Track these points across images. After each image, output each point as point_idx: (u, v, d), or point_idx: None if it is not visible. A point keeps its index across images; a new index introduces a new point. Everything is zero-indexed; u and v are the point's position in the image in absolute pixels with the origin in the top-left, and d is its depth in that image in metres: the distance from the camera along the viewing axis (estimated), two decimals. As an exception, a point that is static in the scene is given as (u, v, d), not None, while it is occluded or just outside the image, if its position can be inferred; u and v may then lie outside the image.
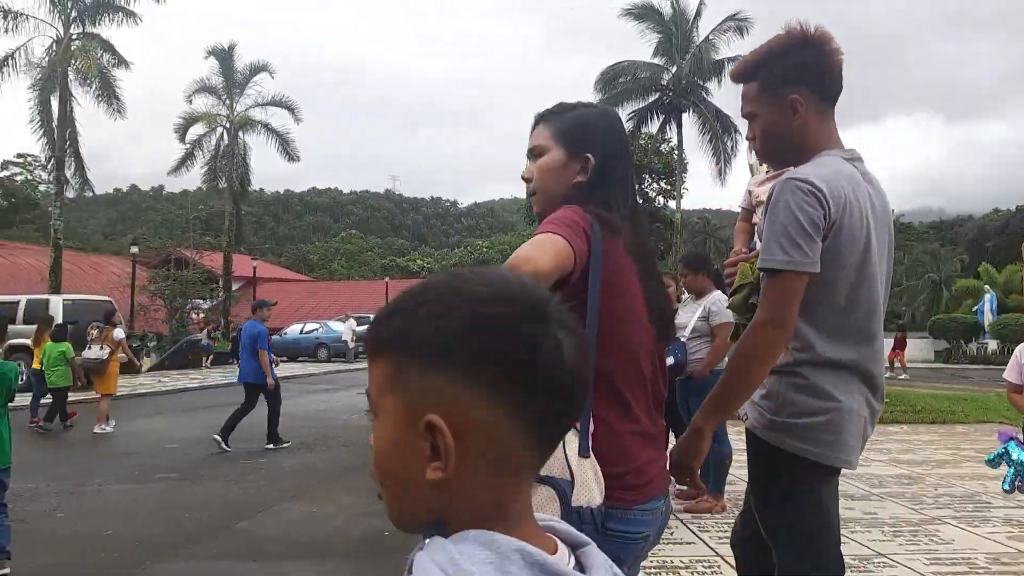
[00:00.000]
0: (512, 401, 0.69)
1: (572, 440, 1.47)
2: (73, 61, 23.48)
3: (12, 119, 27.89)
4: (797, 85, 2.00)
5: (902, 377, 21.36)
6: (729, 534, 4.85)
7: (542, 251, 1.48)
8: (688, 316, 5.59)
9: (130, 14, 24.74)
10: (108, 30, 25.02)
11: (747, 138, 2.17)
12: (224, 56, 32.36)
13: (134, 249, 26.70)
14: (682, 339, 5.41)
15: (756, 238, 2.86)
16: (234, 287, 33.67)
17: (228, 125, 32.28)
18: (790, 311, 1.83)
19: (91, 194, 34.00)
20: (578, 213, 1.61)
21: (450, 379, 0.69)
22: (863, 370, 1.97)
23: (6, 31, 23.40)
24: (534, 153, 1.78)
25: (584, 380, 0.75)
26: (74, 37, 24.18)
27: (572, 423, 0.79)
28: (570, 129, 1.75)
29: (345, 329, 28.34)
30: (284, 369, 9.66)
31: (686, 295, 5.97)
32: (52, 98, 23.97)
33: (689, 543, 4.75)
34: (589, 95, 29.72)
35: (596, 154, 1.72)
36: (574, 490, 1.42)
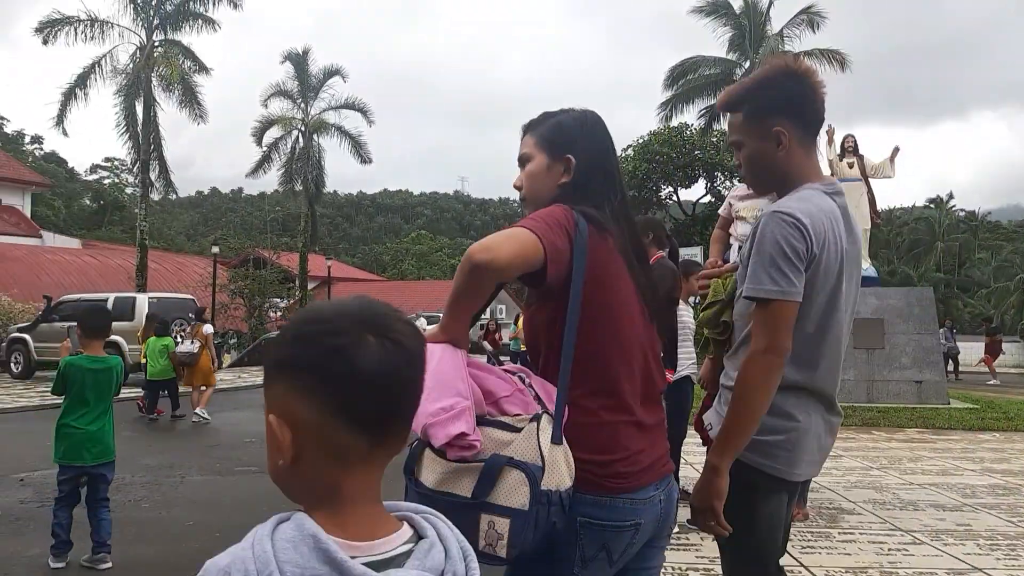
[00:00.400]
0: (329, 401, 0.87)
1: (546, 428, 1.54)
2: (156, 67, 24.38)
3: (100, 125, 29.06)
4: (781, 116, 2.07)
5: (991, 383, 20.41)
6: (814, 543, 4.69)
7: (503, 242, 1.57)
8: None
9: (209, 21, 25.54)
10: (188, 37, 25.94)
11: (734, 164, 2.18)
12: (299, 60, 33.13)
13: (215, 249, 27.56)
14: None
15: (732, 251, 2.83)
16: (309, 286, 34.46)
17: (303, 128, 33.05)
18: (784, 336, 1.91)
19: (175, 197, 35.34)
20: (562, 210, 1.68)
21: (285, 387, 0.89)
22: (822, 392, 2.07)
23: (93, 39, 24.44)
24: (522, 161, 1.87)
25: (408, 381, 0.92)
26: (156, 44, 25.09)
27: (404, 418, 0.94)
28: (550, 134, 1.84)
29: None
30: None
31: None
32: (137, 103, 24.91)
33: (770, 551, 4.59)
34: (658, 93, 29.39)
35: (578, 155, 1.80)
36: (544, 475, 1.49)
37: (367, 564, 0.84)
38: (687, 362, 5.45)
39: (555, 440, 1.54)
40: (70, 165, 60.80)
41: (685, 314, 5.43)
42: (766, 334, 1.92)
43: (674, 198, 32.71)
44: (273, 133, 32.87)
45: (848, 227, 2.09)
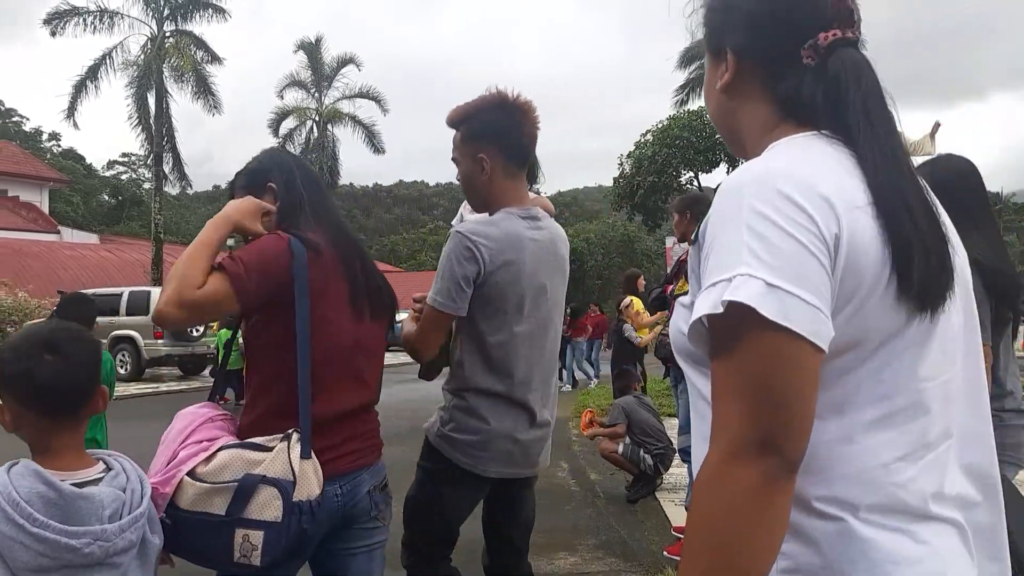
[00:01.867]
0: (22, 401, 1.46)
1: (296, 445, 1.72)
2: (168, 58, 24.06)
3: (118, 120, 28.90)
4: (488, 144, 2.25)
5: (1030, 366, 19.79)
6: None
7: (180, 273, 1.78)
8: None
9: (219, 10, 25.14)
10: (200, 27, 25.54)
11: (456, 178, 2.41)
12: (312, 49, 32.78)
13: (230, 242, 27.19)
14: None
15: None
16: (326, 278, 34.34)
17: (317, 118, 32.73)
18: (429, 335, 2.26)
19: (191, 191, 35.19)
20: (274, 240, 1.84)
21: (1, 389, 1.48)
22: (516, 399, 2.28)
23: (102, 30, 24.12)
24: None
25: (78, 382, 1.48)
26: (168, 35, 24.76)
27: (78, 405, 1.50)
28: (248, 181, 2.05)
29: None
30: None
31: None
32: (149, 95, 24.61)
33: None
34: (675, 78, 28.84)
35: (275, 180, 1.98)
36: (296, 488, 1.67)
37: (73, 484, 1.41)
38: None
39: (304, 455, 1.72)
40: (88, 161, 60.75)
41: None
42: (419, 329, 2.27)
43: (695, 183, 32.12)
44: (288, 124, 32.63)
45: (545, 246, 2.31)
